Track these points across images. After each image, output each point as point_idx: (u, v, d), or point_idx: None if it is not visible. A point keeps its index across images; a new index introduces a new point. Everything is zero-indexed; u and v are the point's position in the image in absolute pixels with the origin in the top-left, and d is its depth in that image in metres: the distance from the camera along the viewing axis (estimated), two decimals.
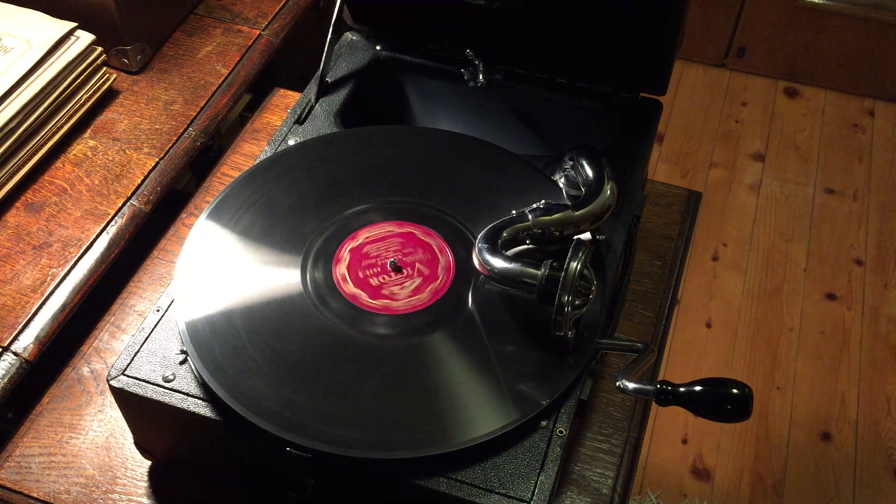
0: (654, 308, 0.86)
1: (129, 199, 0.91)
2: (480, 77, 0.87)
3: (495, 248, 0.68)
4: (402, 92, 0.93)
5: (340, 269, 0.72)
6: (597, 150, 0.76)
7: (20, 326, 0.80)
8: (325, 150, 0.81)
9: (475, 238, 0.71)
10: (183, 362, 0.66)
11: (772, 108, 2.30)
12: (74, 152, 0.95)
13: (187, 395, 0.65)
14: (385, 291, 0.70)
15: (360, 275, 0.71)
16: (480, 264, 0.68)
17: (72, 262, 0.85)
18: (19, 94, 0.89)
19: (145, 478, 0.73)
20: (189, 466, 0.73)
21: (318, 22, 1.18)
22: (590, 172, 0.74)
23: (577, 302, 0.63)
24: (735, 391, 0.61)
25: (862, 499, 1.62)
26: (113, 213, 0.89)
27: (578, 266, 0.62)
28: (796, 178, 2.15)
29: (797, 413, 1.73)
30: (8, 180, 0.89)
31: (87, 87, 0.97)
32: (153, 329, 0.68)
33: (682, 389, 0.62)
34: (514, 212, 0.71)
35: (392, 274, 0.71)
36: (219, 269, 0.71)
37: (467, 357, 0.67)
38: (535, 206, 0.71)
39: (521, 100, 0.89)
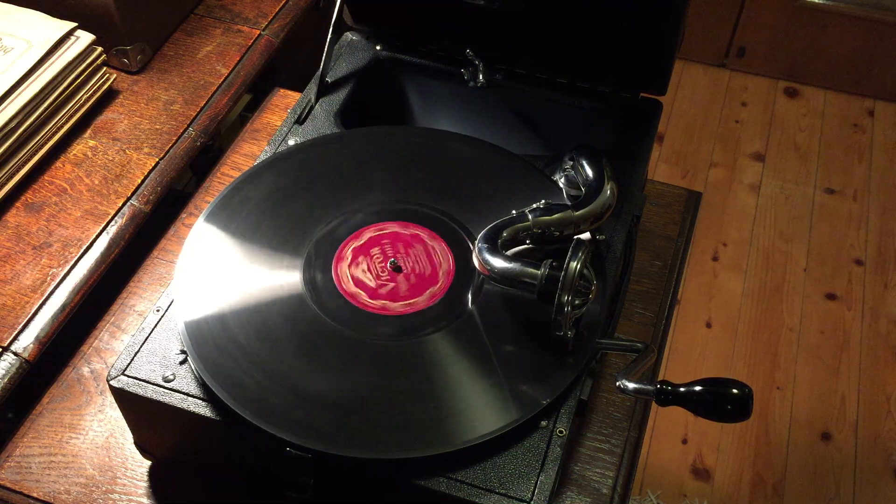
0: (654, 308, 0.86)
1: (129, 199, 0.91)
2: (480, 77, 0.87)
3: (495, 248, 0.68)
4: (402, 92, 0.93)
5: (340, 269, 0.72)
6: (597, 150, 0.76)
7: (20, 326, 0.80)
8: (324, 150, 0.81)
9: (475, 238, 0.71)
10: (183, 362, 0.66)
11: (772, 108, 2.30)
12: (74, 152, 0.95)
13: (187, 395, 0.65)
14: (385, 292, 0.70)
15: (360, 275, 0.71)
16: (480, 264, 0.68)
17: (72, 262, 0.85)
18: (19, 94, 0.89)
19: (145, 478, 0.73)
20: (189, 466, 0.73)
21: (318, 22, 1.18)
22: (590, 172, 0.74)
23: (576, 302, 0.63)
24: (735, 391, 0.61)
25: (862, 499, 1.62)
26: (113, 213, 0.89)
27: (578, 266, 0.62)
28: (796, 178, 2.14)
29: (797, 413, 1.73)
30: (8, 180, 0.89)
31: (87, 87, 0.97)
32: (153, 329, 0.68)
33: (682, 389, 0.62)
34: (514, 212, 0.71)
35: (392, 274, 0.71)
36: (219, 270, 0.71)
37: (467, 357, 0.67)
38: (535, 206, 0.71)
39: (521, 100, 0.89)
